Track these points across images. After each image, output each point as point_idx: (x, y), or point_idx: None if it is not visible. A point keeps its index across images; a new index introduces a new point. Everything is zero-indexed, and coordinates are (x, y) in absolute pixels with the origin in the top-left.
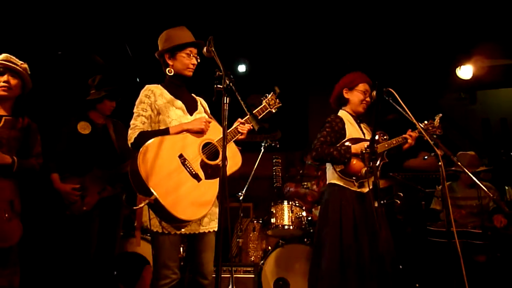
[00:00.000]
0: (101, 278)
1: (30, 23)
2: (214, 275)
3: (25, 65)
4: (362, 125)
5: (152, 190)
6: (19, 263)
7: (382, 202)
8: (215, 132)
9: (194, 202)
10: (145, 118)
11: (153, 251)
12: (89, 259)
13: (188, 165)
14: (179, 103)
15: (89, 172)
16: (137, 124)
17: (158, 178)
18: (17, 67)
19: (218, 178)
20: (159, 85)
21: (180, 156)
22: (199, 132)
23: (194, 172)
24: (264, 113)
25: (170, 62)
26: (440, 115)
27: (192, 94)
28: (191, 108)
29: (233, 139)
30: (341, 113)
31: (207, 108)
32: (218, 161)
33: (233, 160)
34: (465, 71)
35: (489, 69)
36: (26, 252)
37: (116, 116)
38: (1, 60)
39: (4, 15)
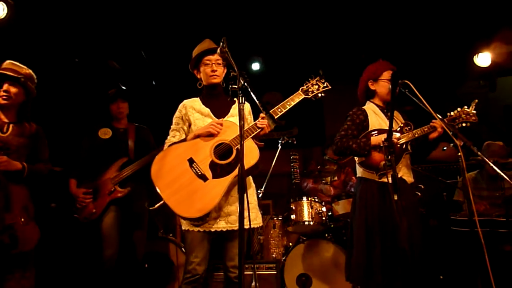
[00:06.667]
0: (123, 278)
1: (46, 31)
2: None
3: (29, 71)
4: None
5: (159, 192)
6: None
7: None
8: (230, 132)
9: (197, 201)
10: (176, 131)
11: None
12: (101, 260)
13: (195, 167)
14: (206, 110)
15: (102, 175)
16: (169, 138)
17: (166, 181)
18: (15, 75)
19: (226, 176)
20: (196, 98)
21: (190, 159)
22: (211, 135)
23: (200, 173)
24: (297, 101)
25: (198, 76)
26: (476, 101)
27: (235, 99)
28: (220, 112)
29: (252, 135)
30: (367, 105)
31: (244, 110)
32: (229, 160)
33: (249, 155)
34: (483, 59)
35: (508, 55)
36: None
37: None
38: (3, 68)
39: (22, 25)
